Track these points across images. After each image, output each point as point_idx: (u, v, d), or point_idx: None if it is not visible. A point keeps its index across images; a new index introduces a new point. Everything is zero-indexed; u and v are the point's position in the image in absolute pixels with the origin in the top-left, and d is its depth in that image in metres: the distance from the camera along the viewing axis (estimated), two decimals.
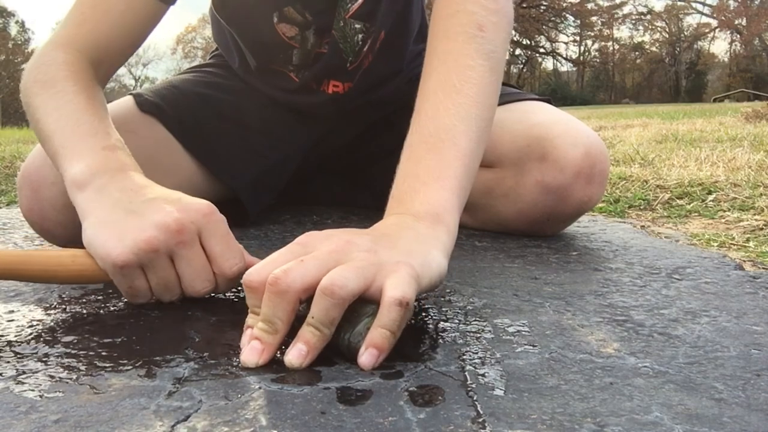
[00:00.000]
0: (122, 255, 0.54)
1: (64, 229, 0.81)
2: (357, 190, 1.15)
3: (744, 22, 52.80)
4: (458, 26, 0.65)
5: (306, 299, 0.46)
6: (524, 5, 51.17)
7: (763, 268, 0.75)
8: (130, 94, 0.96)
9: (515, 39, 54.14)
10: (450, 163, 0.58)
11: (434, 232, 0.53)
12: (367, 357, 0.45)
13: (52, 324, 0.56)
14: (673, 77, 56.27)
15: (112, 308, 0.60)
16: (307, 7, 0.92)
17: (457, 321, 0.56)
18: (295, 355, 0.45)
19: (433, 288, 0.51)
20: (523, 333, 0.53)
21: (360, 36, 0.94)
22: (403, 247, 0.50)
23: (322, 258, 0.47)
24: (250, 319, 0.48)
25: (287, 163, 1.04)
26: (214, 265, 0.58)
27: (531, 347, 0.49)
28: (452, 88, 0.62)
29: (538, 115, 0.90)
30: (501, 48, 0.67)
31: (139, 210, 0.57)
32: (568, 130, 0.85)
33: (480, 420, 0.38)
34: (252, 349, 0.46)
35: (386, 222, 0.55)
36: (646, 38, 58.63)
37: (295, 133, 1.03)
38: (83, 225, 0.59)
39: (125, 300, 0.62)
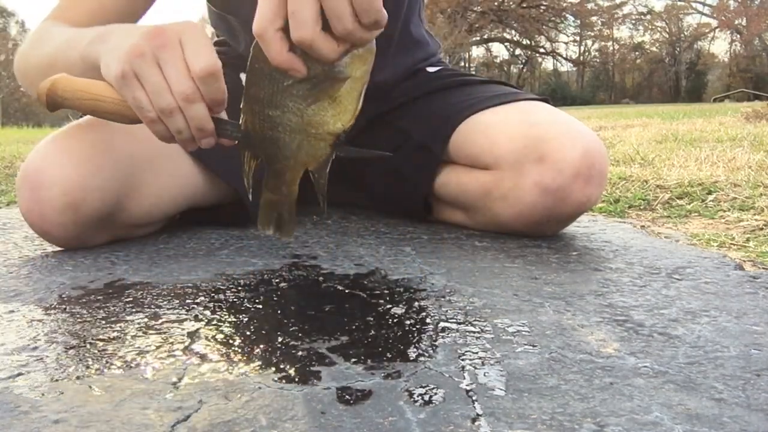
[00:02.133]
0: (119, 66, 0.62)
1: (64, 230, 0.81)
2: (356, 190, 1.15)
3: (744, 22, 52.80)
4: None
5: None
6: (524, 5, 51.18)
7: (763, 268, 0.75)
8: None
9: (515, 39, 54.18)
10: None
11: None
12: None
13: (52, 324, 0.56)
14: (673, 77, 56.27)
15: (112, 308, 0.60)
16: None
17: (457, 321, 0.56)
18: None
19: None
20: (523, 333, 0.53)
21: None
22: None
23: None
24: None
25: None
26: (189, 65, 0.61)
27: (531, 347, 0.49)
28: None
29: (536, 116, 0.90)
30: None
31: (130, 34, 0.65)
32: (566, 131, 0.85)
33: (480, 420, 0.38)
34: None
35: None
36: (646, 38, 58.67)
37: None
38: (101, 68, 0.67)
39: (125, 299, 0.62)
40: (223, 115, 0.66)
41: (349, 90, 0.58)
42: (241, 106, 0.61)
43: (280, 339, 0.51)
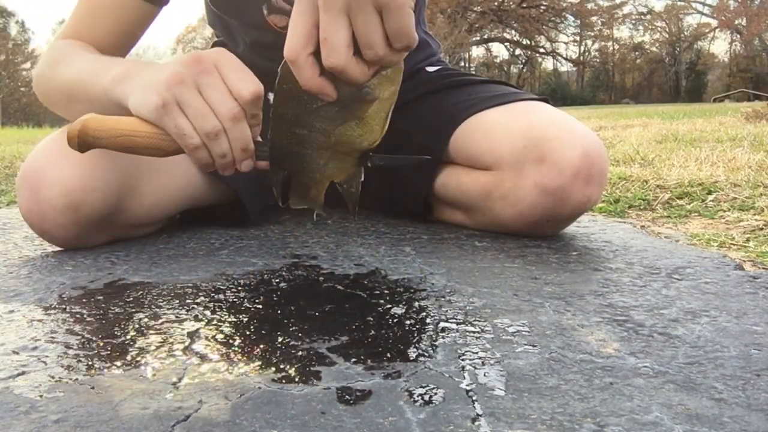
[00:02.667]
0: (159, 97, 0.63)
1: (64, 230, 0.81)
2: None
3: (744, 22, 52.79)
4: None
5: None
6: (524, 5, 51.18)
7: (763, 268, 0.75)
8: None
9: (515, 39, 54.17)
10: None
11: None
12: None
13: (52, 324, 0.56)
14: (673, 77, 56.27)
15: (112, 308, 0.60)
16: None
17: (457, 321, 0.56)
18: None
19: None
20: (523, 333, 0.53)
21: None
22: None
23: None
24: None
25: None
26: (233, 90, 0.63)
27: (531, 347, 0.49)
28: None
29: (536, 116, 0.90)
30: None
31: (164, 68, 0.66)
32: (566, 131, 0.85)
33: (480, 420, 0.38)
34: None
35: None
36: (646, 38, 58.67)
37: None
38: (130, 104, 0.67)
39: (125, 299, 0.62)
40: None
41: (376, 110, 0.58)
42: (270, 124, 0.62)
43: (280, 339, 0.51)
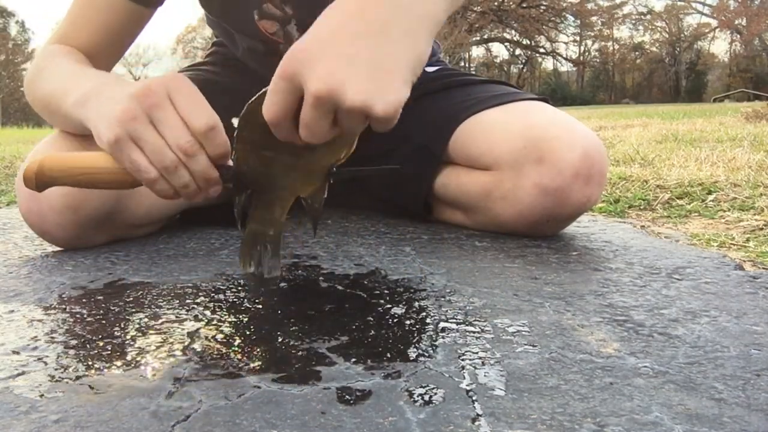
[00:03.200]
0: (109, 131, 0.60)
1: (63, 230, 0.81)
2: (355, 191, 1.15)
3: (744, 22, 52.78)
4: None
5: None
6: (524, 5, 51.16)
7: (763, 268, 0.75)
8: None
9: (515, 39, 54.15)
10: None
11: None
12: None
13: (52, 324, 0.56)
14: (673, 77, 56.25)
15: (112, 308, 0.60)
16: (287, 1, 0.93)
17: (457, 321, 0.56)
18: None
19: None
20: (523, 333, 0.53)
21: None
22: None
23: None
24: None
25: None
26: (187, 122, 0.60)
27: (531, 347, 0.49)
28: None
29: (535, 116, 0.90)
30: None
31: (114, 95, 0.64)
32: (565, 132, 0.85)
33: (480, 420, 0.38)
34: None
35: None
36: (646, 38, 58.64)
37: None
38: (93, 132, 0.66)
39: (125, 299, 0.62)
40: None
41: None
42: (235, 146, 0.61)
43: (280, 339, 0.51)
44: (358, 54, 0.51)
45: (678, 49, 56.31)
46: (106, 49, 0.88)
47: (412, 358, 0.47)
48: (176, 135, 0.60)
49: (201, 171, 0.61)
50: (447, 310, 0.59)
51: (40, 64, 0.85)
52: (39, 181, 0.65)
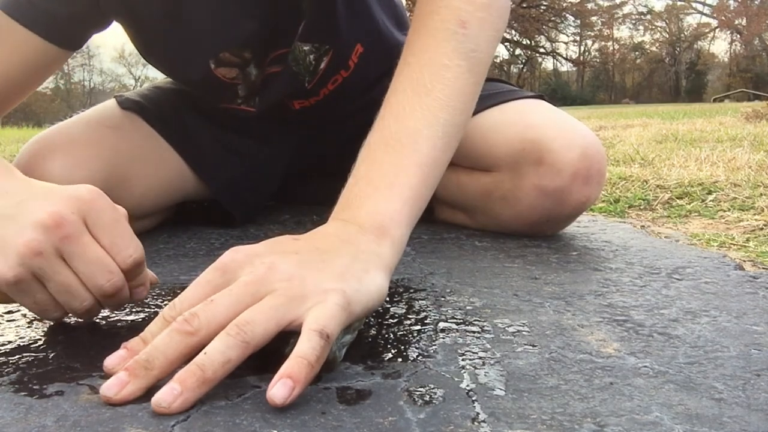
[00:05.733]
0: (11, 271, 0.46)
1: None
2: None
3: (744, 22, 52.79)
4: (439, 22, 0.60)
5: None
6: (524, 5, 51.16)
7: (763, 268, 0.75)
8: (114, 96, 0.98)
9: (515, 39, 54.13)
10: (407, 170, 0.54)
11: (378, 247, 0.50)
12: (279, 388, 0.38)
13: (52, 324, 0.56)
14: (673, 77, 56.28)
15: None
16: (246, 47, 0.87)
17: (457, 321, 0.56)
18: (167, 393, 0.39)
19: (369, 312, 0.47)
20: (523, 333, 0.53)
21: (312, 56, 0.90)
22: (336, 268, 0.46)
23: (237, 294, 0.43)
24: (132, 342, 0.44)
25: (273, 164, 1.04)
26: (111, 256, 0.50)
27: (531, 347, 0.49)
28: (423, 89, 0.58)
29: (533, 116, 0.89)
30: (485, 47, 0.61)
31: (14, 213, 0.48)
32: (564, 132, 0.85)
33: (480, 420, 0.38)
34: (117, 380, 0.41)
35: (327, 230, 0.53)
36: (646, 38, 58.66)
37: (277, 134, 1.02)
38: None
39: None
40: None
41: None
42: None
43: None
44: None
45: (678, 49, 56.33)
46: (5, 94, 0.76)
47: (411, 358, 0.47)
48: (95, 273, 0.48)
49: (118, 304, 0.52)
50: (447, 310, 0.59)
51: None
52: None
